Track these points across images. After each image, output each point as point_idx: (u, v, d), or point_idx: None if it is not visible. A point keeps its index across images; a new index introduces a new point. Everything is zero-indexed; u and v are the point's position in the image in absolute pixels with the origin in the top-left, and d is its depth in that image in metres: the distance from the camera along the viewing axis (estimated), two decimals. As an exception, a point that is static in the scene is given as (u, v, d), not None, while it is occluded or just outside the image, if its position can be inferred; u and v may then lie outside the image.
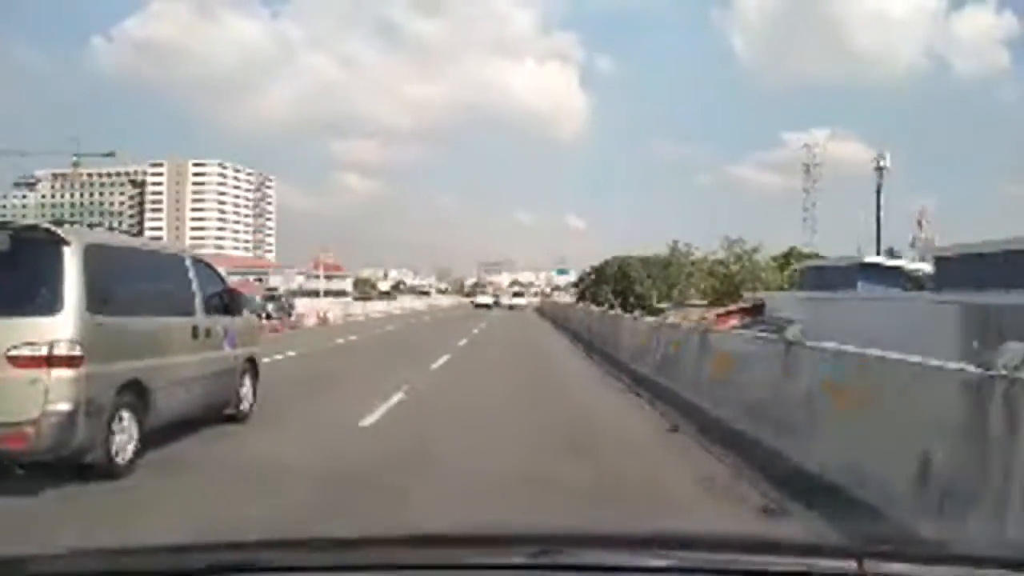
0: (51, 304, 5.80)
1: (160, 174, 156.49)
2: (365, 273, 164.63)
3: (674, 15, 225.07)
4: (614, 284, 56.16)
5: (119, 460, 6.22)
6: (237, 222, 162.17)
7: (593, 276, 63.80)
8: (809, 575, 1.46)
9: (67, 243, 5.94)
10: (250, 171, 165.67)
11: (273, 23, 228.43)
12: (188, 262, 7.86)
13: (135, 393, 6.48)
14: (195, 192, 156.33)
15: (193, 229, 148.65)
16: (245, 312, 9.03)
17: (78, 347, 5.78)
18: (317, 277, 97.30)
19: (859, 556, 1.45)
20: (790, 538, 2.07)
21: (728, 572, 1.48)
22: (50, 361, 5.69)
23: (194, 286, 7.78)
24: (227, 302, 8.50)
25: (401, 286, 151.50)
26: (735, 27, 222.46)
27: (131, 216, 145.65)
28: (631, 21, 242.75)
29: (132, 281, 6.88)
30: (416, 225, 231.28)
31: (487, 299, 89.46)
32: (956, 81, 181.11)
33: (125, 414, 6.34)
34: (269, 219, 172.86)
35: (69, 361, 5.75)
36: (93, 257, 6.11)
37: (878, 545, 2.04)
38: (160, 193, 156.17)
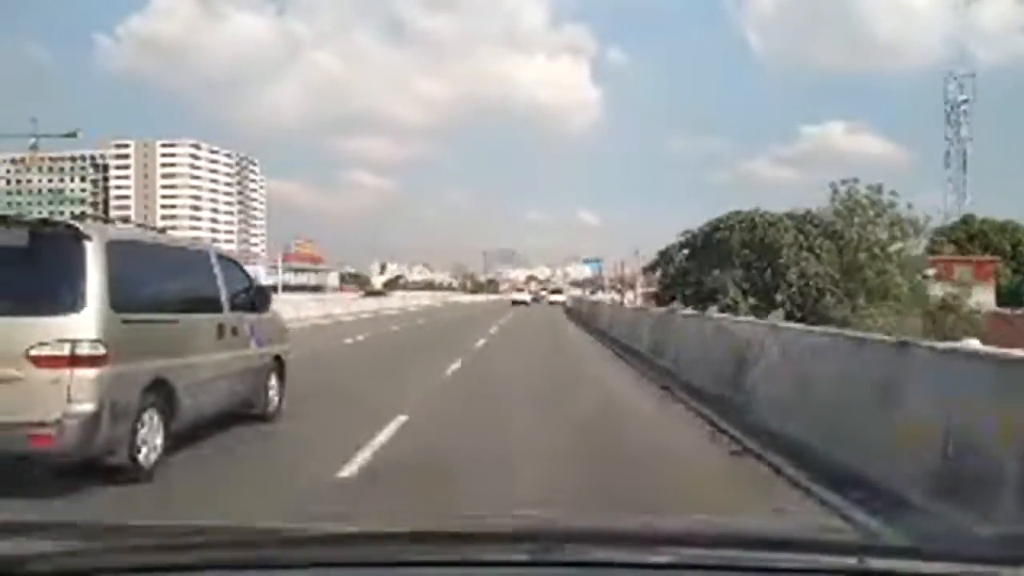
0: (73, 302, 5.61)
1: (126, 156, 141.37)
2: (377, 267, 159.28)
3: (687, 5, 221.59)
4: (745, 267, 29.71)
5: (144, 462, 6.05)
6: (215, 210, 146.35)
7: (686, 253, 34.87)
8: (810, 571, 1.45)
9: (88, 239, 5.75)
10: (228, 152, 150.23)
11: (278, 19, 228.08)
12: (213, 258, 7.67)
13: (161, 393, 6.29)
14: (165, 176, 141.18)
15: (164, 218, 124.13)
16: (272, 309, 8.84)
17: (101, 346, 5.59)
18: (291, 270, 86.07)
19: (860, 552, 1.46)
20: (791, 534, 2.04)
21: (730, 568, 1.47)
22: (73, 360, 5.51)
23: (219, 283, 7.59)
24: (253, 299, 8.31)
25: (401, 280, 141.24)
26: (750, 17, 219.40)
27: (94, 204, 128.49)
28: (643, 11, 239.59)
29: (156, 278, 6.70)
30: (428, 222, 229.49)
31: (525, 296, 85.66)
32: (978, 72, 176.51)
33: (150, 415, 6.16)
34: (256, 208, 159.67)
35: (92, 360, 5.56)
36: (115, 253, 5.92)
37: (878, 541, 2.11)
38: (127, 177, 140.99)
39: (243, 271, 8.56)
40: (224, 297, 7.61)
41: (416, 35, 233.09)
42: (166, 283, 6.83)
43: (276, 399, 8.74)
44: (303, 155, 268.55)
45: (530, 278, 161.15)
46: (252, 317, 8.17)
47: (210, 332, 7.28)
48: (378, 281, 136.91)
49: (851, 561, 1.44)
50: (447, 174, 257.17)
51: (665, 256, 37.18)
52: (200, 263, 7.51)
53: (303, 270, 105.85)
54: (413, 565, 1.52)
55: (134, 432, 5.91)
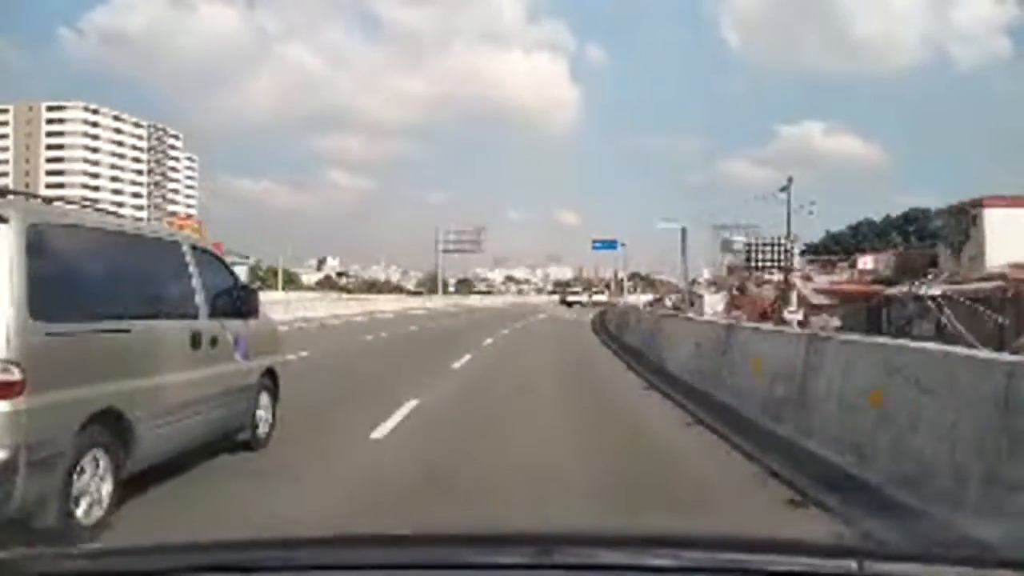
0: None
1: (5, 123, 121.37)
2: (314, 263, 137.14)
3: (666, 4, 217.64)
4: None
5: (83, 519, 4.51)
6: (117, 178, 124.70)
7: None
8: (809, 575, 1.43)
9: (3, 220, 4.22)
10: (137, 121, 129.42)
11: (249, 13, 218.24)
12: (186, 250, 6.09)
13: (109, 427, 4.74)
14: (52, 146, 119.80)
15: (49, 186, 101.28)
16: (262, 314, 7.28)
17: (15, 368, 4.04)
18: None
19: (859, 556, 1.43)
20: (790, 538, 1.96)
21: (728, 571, 1.45)
22: None
23: (194, 281, 6.03)
24: (239, 302, 6.75)
25: (344, 279, 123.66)
26: (728, 17, 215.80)
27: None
28: (621, 10, 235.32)
29: (103, 275, 5.10)
30: (402, 222, 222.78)
31: (581, 297, 78.00)
32: (956, 72, 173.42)
33: (94, 457, 4.62)
34: (176, 185, 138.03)
35: (3, 389, 4.03)
36: (41, 241, 4.37)
37: (878, 545, 2.36)
38: (5, 149, 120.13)
39: (226, 267, 6.99)
40: (201, 299, 6.06)
41: (392, 31, 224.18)
42: (119, 282, 5.22)
43: (266, 423, 7.20)
44: (273, 153, 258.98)
45: (509, 278, 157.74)
46: (237, 324, 6.60)
47: (181, 344, 5.72)
48: (312, 278, 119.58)
49: (851, 565, 1.39)
50: (423, 173, 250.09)
51: None
52: (168, 256, 5.92)
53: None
54: (412, 567, 1.49)
55: (68, 482, 4.38)
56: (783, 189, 35.21)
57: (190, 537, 1.77)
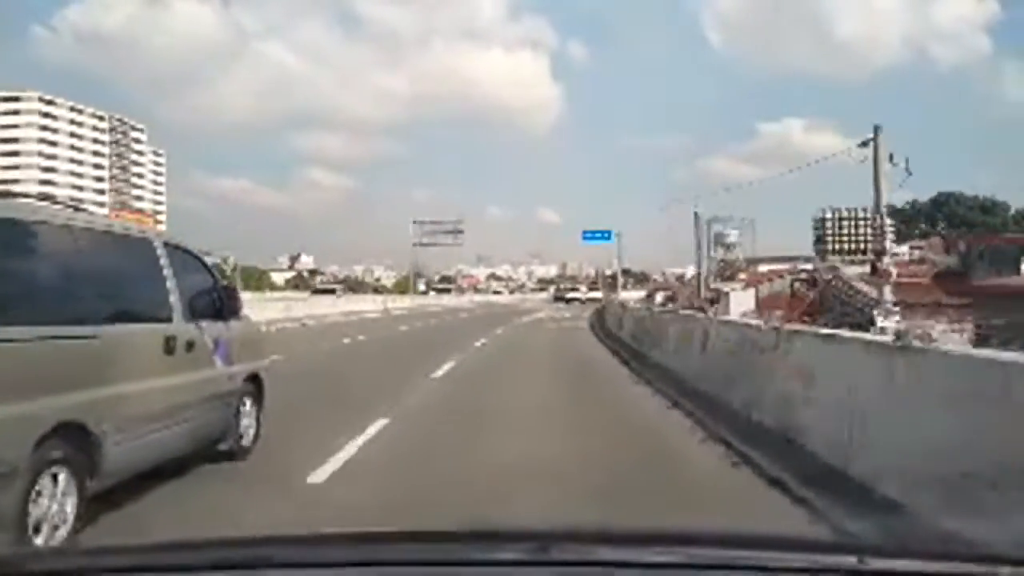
0: None
1: None
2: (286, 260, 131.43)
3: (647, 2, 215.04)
4: None
5: (44, 543, 4.10)
6: (78, 173, 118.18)
7: None
8: (809, 571, 1.40)
9: None
10: (98, 112, 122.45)
11: (225, 11, 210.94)
12: (159, 248, 5.67)
13: (71, 442, 4.34)
14: (6, 140, 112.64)
15: (4, 181, 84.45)
16: (244, 316, 6.86)
17: None
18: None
19: (859, 552, 1.43)
20: (790, 534, 2.04)
21: (728, 568, 1.42)
22: None
23: (168, 281, 5.60)
24: (219, 303, 6.35)
25: (320, 279, 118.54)
26: (709, 14, 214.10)
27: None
28: (604, 5, 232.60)
29: (65, 275, 4.67)
30: (385, 221, 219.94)
31: (579, 295, 74.42)
32: (936, 70, 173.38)
33: (56, 474, 4.22)
34: (142, 178, 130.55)
35: None
36: None
37: (878, 541, 2.38)
38: None
39: (204, 266, 6.57)
40: (175, 301, 5.64)
41: (373, 29, 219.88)
42: (82, 282, 4.80)
43: (250, 431, 6.80)
44: (253, 151, 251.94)
45: (492, 276, 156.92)
46: (217, 327, 6.20)
47: (153, 349, 5.31)
48: (281, 277, 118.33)
49: (851, 560, 1.39)
50: (405, 172, 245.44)
51: None
52: (138, 254, 5.49)
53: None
54: (411, 564, 1.47)
55: (24, 502, 3.98)
56: (864, 143, 22.25)
57: (187, 534, 1.75)
